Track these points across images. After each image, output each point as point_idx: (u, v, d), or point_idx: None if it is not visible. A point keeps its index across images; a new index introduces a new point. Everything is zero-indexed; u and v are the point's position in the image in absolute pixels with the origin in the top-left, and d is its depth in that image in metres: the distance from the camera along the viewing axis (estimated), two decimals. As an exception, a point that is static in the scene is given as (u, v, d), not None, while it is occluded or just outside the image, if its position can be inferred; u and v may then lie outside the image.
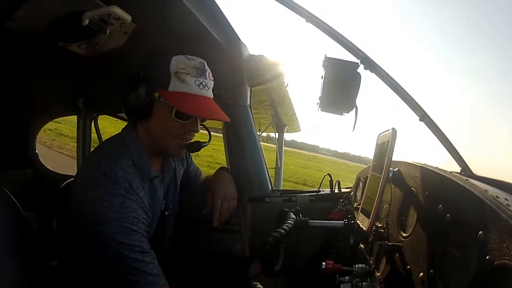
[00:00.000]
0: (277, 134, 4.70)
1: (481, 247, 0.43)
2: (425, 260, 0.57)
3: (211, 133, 1.04)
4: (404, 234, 0.68)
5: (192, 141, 0.91)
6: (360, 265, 0.78)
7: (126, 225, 0.74)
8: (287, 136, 4.91)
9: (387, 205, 0.82)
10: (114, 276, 0.74)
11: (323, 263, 0.81)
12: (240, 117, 1.28)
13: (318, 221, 0.94)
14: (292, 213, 0.93)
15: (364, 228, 0.73)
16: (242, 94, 1.29)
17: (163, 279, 0.77)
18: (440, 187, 0.61)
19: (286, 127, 4.76)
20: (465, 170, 0.89)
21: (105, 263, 0.75)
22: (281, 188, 3.39)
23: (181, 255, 0.91)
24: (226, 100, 1.23)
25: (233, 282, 1.04)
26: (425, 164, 0.73)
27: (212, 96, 0.86)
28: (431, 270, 0.54)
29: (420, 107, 0.93)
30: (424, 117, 0.93)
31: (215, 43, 1.04)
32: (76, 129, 1.78)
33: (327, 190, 1.30)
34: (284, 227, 0.84)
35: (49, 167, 2.01)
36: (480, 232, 0.44)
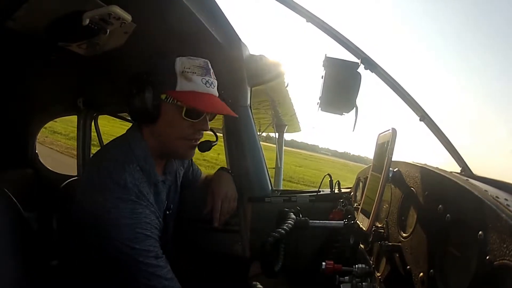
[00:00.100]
0: (277, 134, 4.69)
1: (481, 247, 0.43)
2: (425, 260, 0.57)
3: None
4: (404, 234, 0.68)
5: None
6: (360, 265, 0.78)
7: (139, 231, 0.74)
8: (287, 136, 4.90)
9: (387, 205, 0.82)
10: (130, 282, 0.74)
11: (323, 263, 0.81)
12: (240, 117, 1.28)
13: (318, 221, 0.94)
14: (292, 213, 0.93)
15: (364, 228, 0.73)
16: (242, 94, 1.29)
17: (177, 283, 0.77)
18: (440, 187, 0.61)
19: (286, 127, 4.76)
20: (465, 170, 0.89)
21: (119, 269, 0.74)
22: (281, 188, 3.39)
23: (181, 255, 0.90)
24: (226, 100, 1.22)
25: (233, 282, 1.03)
26: (425, 164, 0.73)
27: (217, 94, 0.86)
28: (431, 270, 0.54)
29: (420, 107, 0.93)
30: (424, 117, 0.93)
31: (215, 43, 1.04)
32: (69, 127, 1.78)
33: (327, 190, 1.30)
34: (284, 227, 0.84)
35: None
36: (480, 232, 0.44)
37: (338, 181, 1.29)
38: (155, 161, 0.87)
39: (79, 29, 0.81)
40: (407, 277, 0.61)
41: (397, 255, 0.67)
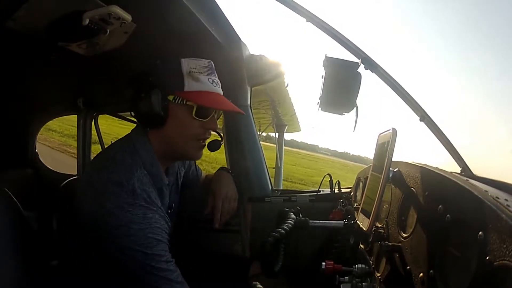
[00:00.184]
0: (277, 134, 4.69)
1: (481, 247, 0.43)
2: (425, 260, 0.57)
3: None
4: (404, 235, 0.68)
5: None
6: (360, 265, 0.78)
7: (151, 236, 0.74)
8: (286, 136, 4.90)
9: (387, 205, 0.82)
10: (141, 287, 0.74)
11: (323, 263, 0.81)
12: (240, 116, 1.28)
13: (318, 221, 0.94)
14: (292, 213, 0.93)
15: (364, 228, 0.73)
16: (243, 93, 1.29)
17: (187, 287, 0.77)
18: (440, 187, 0.61)
19: (286, 127, 4.76)
20: (465, 170, 0.89)
21: (129, 274, 0.73)
22: (281, 188, 3.39)
23: (181, 255, 0.90)
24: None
25: (233, 282, 1.03)
26: (425, 164, 0.73)
27: (222, 93, 0.86)
28: (431, 271, 0.54)
29: (420, 107, 0.93)
30: (424, 117, 0.93)
31: (216, 42, 1.04)
32: (64, 125, 1.78)
33: (327, 190, 1.30)
34: (284, 227, 0.84)
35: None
36: (480, 232, 0.44)
37: (338, 181, 1.29)
38: (160, 164, 0.86)
39: (79, 29, 0.81)
40: (407, 277, 0.61)
41: (397, 255, 0.67)
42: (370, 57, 0.91)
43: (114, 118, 1.90)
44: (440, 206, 0.56)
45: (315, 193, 1.27)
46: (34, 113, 1.90)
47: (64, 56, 1.00)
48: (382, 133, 0.77)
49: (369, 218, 0.71)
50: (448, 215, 0.53)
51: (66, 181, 1.13)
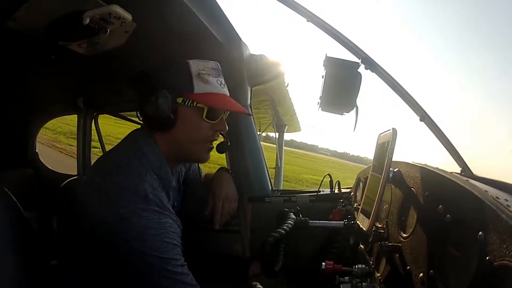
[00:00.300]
0: (277, 134, 4.69)
1: (481, 247, 0.43)
2: (425, 260, 0.57)
3: None
4: (404, 235, 0.68)
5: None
6: (360, 266, 0.78)
7: (167, 241, 0.73)
8: (286, 136, 4.90)
9: (387, 206, 0.82)
10: None
11: (323, 263, 0.81)
12: (240, 116, 1.28)
13: (318, 221, 0.94)
14: (292, 213, 0.93)
15: (364, 229, 0.73)
16: (243, 93, 1.29)
17: None
18: (440, 187, 0.61)
19: (287, 127, 4.76)
20: (465, 170, 0.89)
21: (144, 279, 0.73)
22: (281, 188, 3.39)
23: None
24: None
25: (233, 282, 1.03)
26: (425, 165, 0.73)
27: (229, 94, 0.86)
28: (431, 271, 0.54)
29: (421, 107, 0.93)
30: (425, 117, 0.92)
31: (216, 42, 1.04)
32: (58, 123, 1.78)
33: (327, 190, 1.30)
34: (284, 227, 0.84)
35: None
36: (480, 232, 0.44)
37: (338, 181, 1.29)
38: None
39: (79, 29, 0.81)
40: (407, 277, 0.61)
41: (397, 255, 0.67)
42: (370, 57, 0.91)
43: (108, 116, 1.89)
44: (440, 206, 0.56)
45: (315, 193, 1.27)
46: (34, 113, 1.91)
47: (64, 56, 1.00)
48: (382, 133, 0.77)
49: (369, 218, 0.71)
50: (448, 215, 0.53)
51: (66, 181, 1.13)
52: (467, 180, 0.58)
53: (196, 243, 1.28)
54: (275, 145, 4.76)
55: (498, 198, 0.47)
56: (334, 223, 0.96)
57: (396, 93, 0.93)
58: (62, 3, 0.78)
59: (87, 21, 0.79)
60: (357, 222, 0.81)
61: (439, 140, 0.92)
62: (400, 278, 0.64)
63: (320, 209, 1.18)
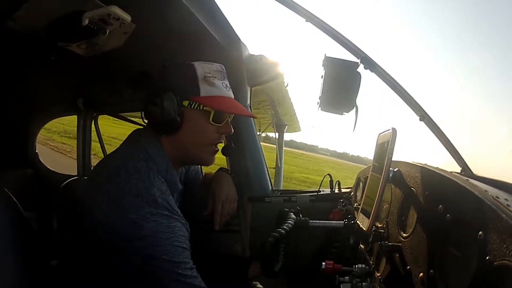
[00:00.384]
0: (277, 134, 4.69)
1: (481, 247, 0.43)
2: (425, 260, 0.57)
3: None
4: (404, 234, 0.68)
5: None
6: (360, 265, 0.78)
7: (177, 244, 0.73)
8: (285, 136, 4.90)
9: (387, 205, 0.82)
10: None
11: (323, 263, 0.81)
12: (240, 117, 1.28)
13: (318, 221, 0.94)
14: (292, 213, 0.93)
15: (364, 228, 0.73)
16: (242, 94, 1.29)
17: None
18: (440, 187, 0.61)
19: (286, 127, 4.76)
20: (465, 170, 0.89)
21: (152, 282, 0.72)
22: (281, 188, 3.39)
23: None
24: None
25: (233, 282, 1.03)
26: (425, 164, 0.73)
27: (233, 96, 0.86)
28: (431, 270, 0.54)
29: (420, 107, 0.93)
30: (424, 117, 0.92)
31: (215, 43, 1.04)
32: (53, 122, 1.78)
33: (327, 190, 1.30)
34: (284, 227, 0.84)
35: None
36: (480, 232, 0.44)
37: (338, 181, 1.29)
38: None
39: (78, 29, 0.81)
40: (407, 277, 0.61)
41: (397, 255, 0.67)
42: (369, 57, 0.91)
43: (105, 116, 1.89)
44: (440, 206, 0.56)
45: (315, 193, 1.27)
46: (34, 113, 1.91)
47: (64, 56, 1.00)
48: (382, 133, 0.77)
49: (369, 218, 0.71)
50: (448, 215, 0.53)
51: (66, 181, 1.13)
52: (467, 179, 0.58)
53: (196, 243, 1.28)
54: (274, 146, 4.76)
55: (498, 197, 0.47)
56: (334, 223, 0.96)
57: (396, 93, 0.93)
58: (62, 3, 0.79)
59: (86, 22, 0.78)
60: (357, 222, 0.81)
61: (439, 140, 0.92)
62: (400, 278, 0.64)
63: (320, 209, 1.18)
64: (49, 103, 1.83)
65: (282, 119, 4.35)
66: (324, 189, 1.30)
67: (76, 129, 1.82)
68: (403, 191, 0.75)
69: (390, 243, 0.69)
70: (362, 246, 0.88)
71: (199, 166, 1.15)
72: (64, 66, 1.12)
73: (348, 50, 0.92)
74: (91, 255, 0.77)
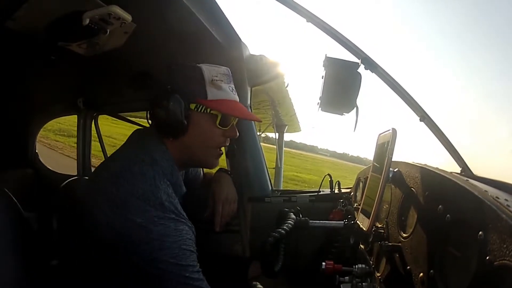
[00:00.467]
0: (277, 134, 4.69)
1: (481, 247, 0.43)
2: (425, 260, 0.57)
3: None
4: (404, 235, 0.68)
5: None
6: (360, 265, 0.78)
7: (185, 247, 0.73)
8: (286, 136, 4.90)
9: (387, 206, 0.82)
10: None
11: (323, 263, 0.81)
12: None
13: (318, 221, 0.94)
14: (292, 213, 0.93)
15: (364, 229, 0.73)
16: (243, 94, 1.29)
17: None
18: (440, 187, 0.61)
19: (286, 127, 4.76)
20: (465, 170, 0.89)
21: (159, 286, 0.72)
22: (281, 188, 3.39)
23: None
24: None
25: (233, 282, 1.03)
26: (425, 165, 0.73)
27: (239, 100, 0.86)
28: (431, 271, 0.54)
29: (420, 107, 0.93)
30: (424, 117, 0.93)
31: (216, 42, 1.04)
32: (50, 122, 1.78)
33: (327, 191, 1.30)
34: (284, 227, 0.84)
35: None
36: (480, 232, 0.44)
37: (338, 181, 1.30)
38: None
39: (79, 29, 0.81)
40: (407, 277, 0.61)
41: (397, 255, 0.67)
42: (370, 57, 0.91)
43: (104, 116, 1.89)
44: (440, 206, 0.56)
45: (315, 193, 1.27)
46: (34, 113, 1.91)
47: (64, 56, 1.00)
48: (382, 133, 0.77)
49: (369, 218, 0.71)
50: (448, 215, 0.53)
51: (67, 181, 1.13)
52: (467, 180, 0.58)
53: (196, 243, 1.28)
54: (274, 146, 4.76)
55: (498, 198, 0.47)
56: (334, 223, 0.96)
57: (396, 93, 0.94)
58: (62, 3, 0.78)
59: (87, 21, 0.78)
60: (357, 222, 0.81)
61: (439, 140, 0.92)
62: (400, 278, 0.64)
63: (320, 209, 1.18)
64: (49, 103, 1.83)
65: (282, 119, 4.35)
66: (324, 190, 1.30)
67: (71, 127, 1.82)
68: (403, 191, 0.75)
69: (390, 243, 0.69)
70: (362, 246, 0.88)
71: None
72: (64, 66, 1.12)
73: (348, 51, 0.93)
74: (91, 255, 0.76)
